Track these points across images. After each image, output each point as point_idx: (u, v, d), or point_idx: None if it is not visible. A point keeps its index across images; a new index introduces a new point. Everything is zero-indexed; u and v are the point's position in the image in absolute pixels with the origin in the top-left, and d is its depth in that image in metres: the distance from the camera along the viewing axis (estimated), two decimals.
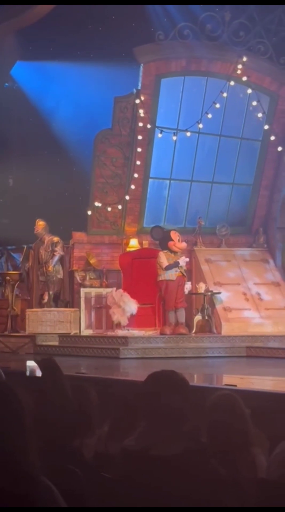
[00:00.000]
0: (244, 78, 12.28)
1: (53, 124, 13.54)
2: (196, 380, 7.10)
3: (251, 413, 3.21)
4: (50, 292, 12.02)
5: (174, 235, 11.15)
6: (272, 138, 12.59)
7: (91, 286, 11.94)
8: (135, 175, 12.31)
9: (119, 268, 11.90)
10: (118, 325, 11.14)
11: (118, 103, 12.12)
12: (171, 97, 12.32)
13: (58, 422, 3.23)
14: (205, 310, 11.42)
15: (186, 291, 11.19)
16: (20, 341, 11.23)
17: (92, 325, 11.75)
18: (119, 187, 12.37)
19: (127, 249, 12.26)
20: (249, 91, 12.36)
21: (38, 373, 4.13)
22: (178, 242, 11.10)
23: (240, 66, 12.20)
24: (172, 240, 11.07)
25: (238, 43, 12.22)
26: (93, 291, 11.87)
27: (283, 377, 7.60)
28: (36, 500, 2.00)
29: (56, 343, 10.95)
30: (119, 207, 12.37)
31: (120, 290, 11.27)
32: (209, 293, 11.58)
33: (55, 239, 12.13)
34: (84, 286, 11.91)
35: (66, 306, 12.15)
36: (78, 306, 11.83)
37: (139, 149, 12.21)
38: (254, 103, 12.37)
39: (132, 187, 12.34)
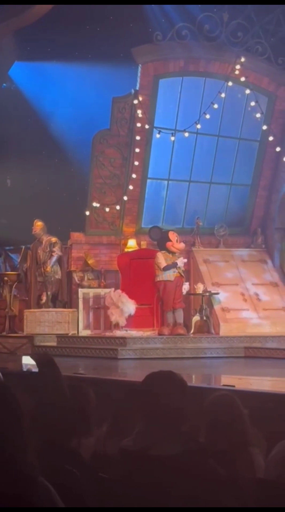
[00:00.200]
0: (242, 79, 12.29)
1: (51, 125, 13.54)
2: (194, 381, 7.10)
3: (249, 413, 3.21)
4: (48, 293, 12.01)
5: (172, 235, 11.15)
6: (270, 138, 12.60)
7: (89, 287, 11.94)
8: (134, 176, 12.31)
9: (118, 269, 11.90)
10: (117, 326, 11.13)
11: (116, 103, 12.12)
12: (169, 97, 12.32)
13: (56, 423, 3.23)
14: (203, 311, 11.42)
15: (184, 291, 11.20)
16: (18, 342, 11.23)
17: (90, 326, 11.75)
18: (118, 188, 12.37)
19: (126, 250, 12.26)
20: (247, 91, 12.37)
21: (35, 368, 4.14)
22: (176, 242, 11.10)
23: (238, 67, 12.21)
24: (170, 240, 11.07)
25: (236, 43, 12.23)
26: (92, 292, 11.87)
27: (281, 377, 7.60)
28: (34, 501, 1.99)
29: (54, 344, 10.95)
30: (118, 207, 12.37)
31: (119, 291, 11.27)
32: (207, 294, 11.58)
33: (53, 239, 12.13)
34: (82, 287, 11.90)
35: (64, 307, 12.14)
36: (76, 307, 11.82)
37: (137, 150, 12.21)
38: (252, 103, 12.38)
39: (131, 187, 12.34)
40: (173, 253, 11.04)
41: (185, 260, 11.35)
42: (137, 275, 11.50)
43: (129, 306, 11.00)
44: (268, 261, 12.77)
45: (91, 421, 3.67)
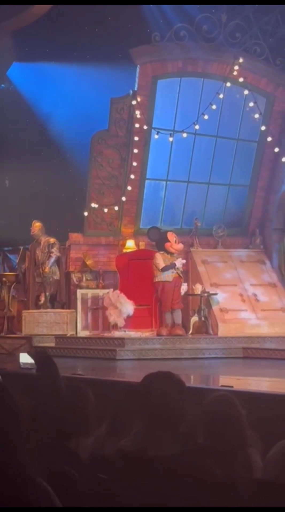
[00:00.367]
0: (241, 79, 12.30)
1: (49, 125, 13.54)
2: (192, 381, 7.10)
3: (247, 414, 3.21)
4: (47, 293, 12.01)
5: (171, 236, 11.16)
6: (269, 139, 12.61)
7: (87, 287, 11.94)
8: (132, 176, 12.31)
9: (116, 269, 11.90)
10: (115, 326, 11.13)
11: (114, 104, 12.13)
12: (167, 98, 12.33)
13: (55, 423, 3.23)
14: (202, 311, 11.42)
15: (182, 292, 11.20)
16: (17, 343, 11.22)
17: (88, 326, 11.75)
18: (116, 188, 12.37)
19: (124, 250, 12.27)
20: (246, 92, 12.37)
21: (32, 366, 4.15)
22: (174, 243, 11.10)
23: (236, 67, 12.22)
24: (169, 241, 11.07)
25: (234, 44, 12.23)
26: (90, 292, 11.87)
27: (279, 378, 7.60)
28: (32, 502, 1.99)
29: (53, 345, 10.94)
30: (116, 208, 12.38)
31: (117, 291, 11.27)
32: (206, 294, 11.58)
33: (52, 240, 12.13)
34: (81, 287, 11.90)
35: (62, 307, 12.14)
36: (75, 307, 11.82)
37: (135, 150, 12.21)
38: (251, 104, 12.38)
39: (129, 188, 12.34)
40: (171, 253, 11.04)
41: (184, 261, 11.35)
42: (135, 276, 11.50)
43: (128, 307, 11.00)
44: (267, 262, 12.78)
45: (89, 422, 3.67)
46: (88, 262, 12.03)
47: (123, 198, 12.36)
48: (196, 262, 12.29)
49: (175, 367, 8.10)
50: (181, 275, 11.09)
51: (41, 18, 11.79)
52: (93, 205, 12.28)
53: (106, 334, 11.16)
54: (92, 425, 3.66)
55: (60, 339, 11.11)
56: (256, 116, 12.41)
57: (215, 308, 11.61)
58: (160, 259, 10.93)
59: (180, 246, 11.23)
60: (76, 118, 12.84)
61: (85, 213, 12.31)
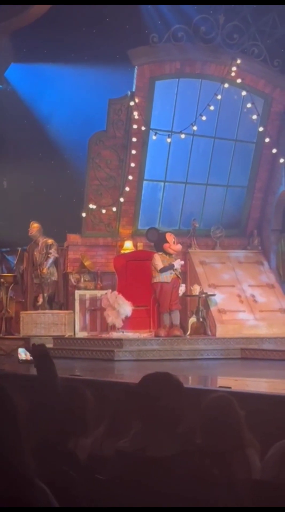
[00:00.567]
0: (238, 81, 12.31)
1: (47, 126, 13.54)
2: (190, 382, 7.10)
3: (245, 414, 3.21)
4: (45, 294, 12.01)
5: (169, 237, 11.16)
6: (267, 140, 12.62)
7: (85, 288, 11.94)
8: (130, 177, 12.32)
9: (114, 270, 11.90)
10: (113, 327, 11.13)
11: (112, 105, 12.13)
12: (165, 99, 12.33)
13: (53, 424, 3.23)
14: (200, 312, 11.42)
15: (180, 293, 11.20)
16: (15, 344, 11.20)
17: (86, 327, 11.75)
18: (114, 189, 12.37)
19: (122, 251, 12.27)
20: (244, 93, 12.38)
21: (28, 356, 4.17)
22: (173, 244, 11.10)
23: (234, 69, 12.23)
24: (167, 242, 11.07)
25: (232, 45, 12.24)
26: (88, 293, 11.86)
27: (277, 378, 7.60)
28: (30, 502, 1.99)
29: (51, 346, 10.92)
30: (114, 209, 12.38)
31: (115, 292, 11.27)
32: (204, 295, 11.59)
33: (50, 241, 12.12)
34: (79, 288, 11.90)
35: (60, 308, 12.14)
36: (73, 308, 11.82)
37: (133, 151, 12.22)
38: (248, 105, 12.39)
39: (127, 189, 12.34)
40: (170, 254, 11.05)
41: (182, 262, 11.35)
42: (133, 277, 11.50)
43: (126, 308, 11.00)
44: (265, 263, 12.78)
45: (88, 423, 3.67)
46: (86, 263, 12.03)
47: (121, 199, 12.36)
48: (194, 263, 12.30)
49: (173, 368, 8.10)
50: (179, 276, 11.09)
51: (39, 19, 11.80)
52: (91, 206, 12.28)
53: (104, 335, 11.16)
54: (90, 426, 3.66)
55: (58, 340, 11.10)
56: (254, 117, 12.42)
57: (213, 309, 11.62)
58: (159, 260, 10.94)
59: (179, 247, 11.24)
60: (74, 119, 12.84)
61: (83, 214, 12.31)
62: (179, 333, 10.80)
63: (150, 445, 2.56)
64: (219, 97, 12.11)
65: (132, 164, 12.26)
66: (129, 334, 10.84)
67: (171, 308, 10.90)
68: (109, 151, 12.26)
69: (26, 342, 11.05)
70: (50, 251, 12.06)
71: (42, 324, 11.58)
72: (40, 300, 12.03)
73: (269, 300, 12.12)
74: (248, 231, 13.24)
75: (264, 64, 12.50)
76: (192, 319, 11.46)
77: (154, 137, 12.17)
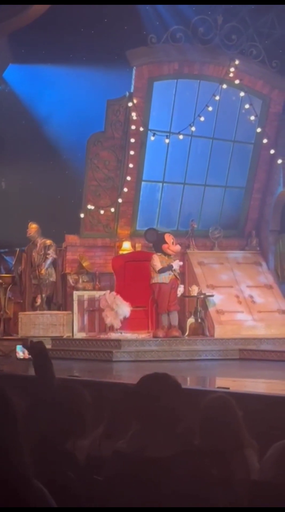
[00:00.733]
0: (237, 81, 12.32)
1: (46, 127, 13.53)
2: (189, 383, 7.10)
3: (243, 415, 3.21)
4: (43, 295, 12.00)
5: (168, 238, 11.16)
6: (265, 141, 12.63)
7: (84, 289, 11.94)
8: (128, 178, 12.32)
9: (112, 271, 11.90)
10: (111, 328, 11.13)
11: (111, 106, 12.14)
12: (164, 100, 12.34)
13: (51, 425, 3.23)
14: (198, 313, 11.43)
15: (179, 294, 11.20)
16: (13, 345, 11.16)
17: (85, 328, 11.75)
18: (112, 190, 12.37)
19: (120, 252, 12.27)
20: (242, 94, 12.39)
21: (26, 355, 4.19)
22: (172, 245, 11.10)
23: (232, 69, 12.24)
24: (166, 242, 11.08)
25: (231, 46, 12.25)
26: (86, 294, 11.86)
27: (275, 379, 7.61)
28: (28, 503, 2.00)
29: (49, 346, 10.91)
30: (112, 210, 12.38)
31: (113, 293, 11.27)
32: (202, 296, 11.59)
33: (48, 242, 12.12)
34: (77, 289, 11.90)
35: (59, 309, 12.13)
36: (71, 309, 11.82)
37: (132, 152, 12.22)
38: (247, 106, 12.40)
39: (125, 190, 12.35)
40: (168, 255, 11.05)
41: (181, 263, 11.36)
42: (132, 277, 11.51)
43: (124, 309, 11.00)
44: (263, 263, 12.79)
45: (86, 424, 3.67)
46: (85, 264, 12.03)
47: (120, 200, 12.36)
48: (192, 263, 12.30)
49: (171, 368, 8.11)
50: (177, 277, 11.09)
51: (37, 20, 11.79)
52: (90, 206, 12.28)
53: (102, 336, 11.16)
54: (89, 426, 3.66)
55: (57, 341, 11.10)
56: (252, 118, 12.43)
57: (211, 309, 11.62)
58: (157, 261, 10.94)
59: (177, 247, 11.24)
60: (72, 120, 12.84)
61: (82, 215, 12.31)
62: (177, 334, 10.80)
63: (148, 446, 2.57)
64: (217, 98, 12.12)
65: (131, 165, 12.26)
66: (128, 335, 10.84)
67: (169, 309, 10.90)
68: (108, 152, 12.27)
69: (24, 343, 11.04)
70: (49, 252, 12.06)
71: (41, 325, 11.58)
72: (39, 301, 12.03)
73: (267, 301, 12.13)
74: (246, 232, 13.25)
75: (262, 65, 12.52)
76: (190, 320, 11.46)
77: (152, 138, 12.18)
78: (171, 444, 2.56)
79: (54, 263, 12.20)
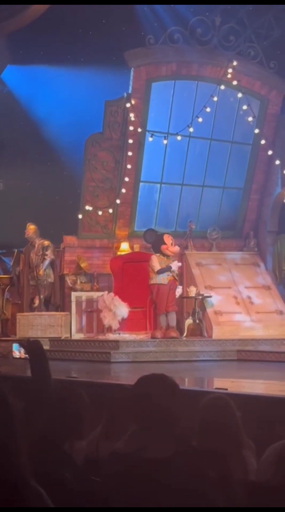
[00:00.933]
0: (234, 82, 12.33)
1: (44, 128, 13.53)
2: (187, 384, 7.10)
3: (241, 416, 3.22)
4: (41, 296, 12.00)
5: (167, 238, 11.15)
6: (263, 142, 12.64)
7: (82, 290, 11.94)
8: (126, 179, 12.32)
9: (110, 272, 11.90)
10: (109, 329, 11.13)
11: (109, 107, 12.14)
12: (162, 101, 12.35)
13: (49, 426, 3.23)
14: (196, 314, 11.43)
15: (177, 295, 11.20)
16: (11, 346, 11.20)
17: (83, 329, 11.75)
18: (110, 191, 12.38)
19: (118, 253, 12.27)
20: (240, 95, 12.40)
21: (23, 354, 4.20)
22: (171, 246, 11.10)
23: (230, 70, 12.25)
24: (165, 243, 11.07)
25: (228, 47, 12.27)
26: (84, 295, 11.86)
27: (273, 380, 7.61)
28: (25, 504, 2.00)
29: (47, 347, 10.91)
30: (110, 211, 12.38)
31: (111, 294, 11.27)
32: (200, 297, 11.59)
33: (46, 243, 12.12)
34: (75, 290, 11.90)
35: (57, 310, 12.13)
36: (69, 310, 11.82)
37: (130, 153, 12.22)
38: (245, 107, 12.41)
39: (123, 190, 12.35)
40: (167, 256, 11.04)
41: (179, 264, 11.35)
42: (130, 278, 11.51)
43: (122, 309, 11.00)
44: (261, 264, 12.80)
45: (84, 425, 3.67)
46: (83, 265, 12.03)
47: (118, 201, 12.36)
48: (190, 264, 12.30)
49: (169, 369, 8.11)
50: (176, 278, 11.09)
51: (35, 21, 11.80)
52: (88, 207, 12.28)
53: (100, 337, 11.15)
54: (86, 427, 3.66)
55: (55, 341, 11.10)
56: (250, 119, 12.44)
57: (209, 310, 11.62)
58: (156, 262, 10.93)
59: (176, 248, 11.24)
60: (70, 121, 12.84)
61: (80, 216, 12.31)
62: (175, 335, 10.80)
63: (146, 447, 2.57)
64: (215, 99, 12.13)
65: (129, 166, 12.27)
66: (126, 336, 10.84)
67: (167, 310, 10.90)
68: (106, 152, 12.27)
69: (21, 342, 11.05)
70: (47, 252, 12.06)
71: (39, 325, 11.58)
72: (37, 301, 12.03)
73: (265, 302, 12.13)
74: (244, 233, 13.26)
75: (260, 66, 12.53)
76: (188, 321, 11.46)
77: (150, 139, 12.18)
78: (169, 444, 2.57)
79: (52, 264, 12.20)
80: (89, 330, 11.71)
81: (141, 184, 12.65)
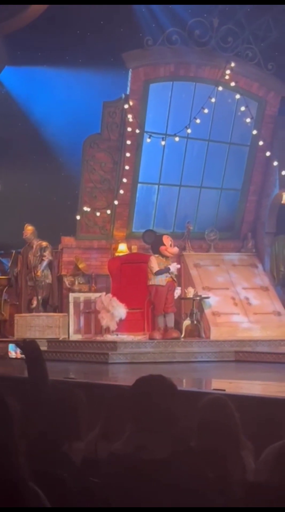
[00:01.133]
0: (232, 84, 12.34)
1: (42, 129, 13.54)
2: (184, 385, 7.10)
3: (239, 417, 3.22)
4: (39, 297, 12.00)
5: (166, 240, 11.15)
6: (260, 143, 12.65)
7: (80, 291, 11.94)
8: (124, 180, 12.32)
9: (108, 273, 11.90)
10: (107, 330, 11.13)
11: (107, 108, 12.14)
12: (160, 102, 12.35)
13: (47, 427, 3.23)
14: (194, 315, 11.43)
15: (176, 296, 11.20)
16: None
17: (81, 330, 11.74)
18: (108, 192, 12.38)
19: (116, 254, 12.27)
20: (237, 96, 12.41)
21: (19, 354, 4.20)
22: (170, 247, 11.09)
23: (228, 72, 12.25)
24: (164, 244, 11.06)
25: (226, 48, 12.27)
26: (82, 296, 11.86)
27: (271, 381, 7.62)
28: (23, 505, 2.00)
29: (45, 348, 10.91)
30: (108, 211, 12.38)
31: (109, 295, 11.27)
32: (198, 298, 11.60)
33: (44, 244, 12.12)
34: (73, 291, 11.90)
35: (55, 311, 12.13)
36: (67, 311, 11.82)
37: (128, 154, 12.23)
38: (242, 108, 12.42)
39: (121, 192, 12.35)
40: (166, 257, 11.04)
41: (178, 266, 11.34)
42: (128, 279, 11.51)
43: (120, 310, 11.00)
44: (259, 265, 12.81)
45: (82, 426, 3.67)
46: (81, 266, 12.03)
47: (116, 202, 12.36)
48: (188, 265, 12.30)
49: (167, 370, 8.11)
50: (175, 279, 11.09)
51: (33, 22, 11.81)
52: (86, 208, 12.28)
53: (98, 338, 11.15)
54: (84, 428, 3.66)
55: (53, 342, 11.09)
56: (248, 120, 12.45)
57: (207, 311, 11.63)
58: (154, 263, 10.93)
59: (175, 249, 11.23)
60: (68, 122, 12.85)
61: (78, 217, 12.31)
62: (176, 335, 10.81)
63: (144, 447, 2.57)
64: (213, 100, 12.13)
65: (127, 167, 12.27)
66: (124, 337, 10.83)
67: (165, 311, 10.90)
68: (104, 153, 12.27)
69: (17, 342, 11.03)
70: (45, 253, 12.06)
71: (37, 326, 11.58)
72: (35, 302, 12.02)
73: (263, 303, 12.14)
74: (242, 234, 13.26)
75: (258, 67, 12.54)
76: (186, 322, 11.46)
77: (148, 140, 12.19)
78: (167, 445, 2.57)
79: (50, 265, 12.20)
80: (87, 331, 11.70)
81: (139, 185, 12.65)
